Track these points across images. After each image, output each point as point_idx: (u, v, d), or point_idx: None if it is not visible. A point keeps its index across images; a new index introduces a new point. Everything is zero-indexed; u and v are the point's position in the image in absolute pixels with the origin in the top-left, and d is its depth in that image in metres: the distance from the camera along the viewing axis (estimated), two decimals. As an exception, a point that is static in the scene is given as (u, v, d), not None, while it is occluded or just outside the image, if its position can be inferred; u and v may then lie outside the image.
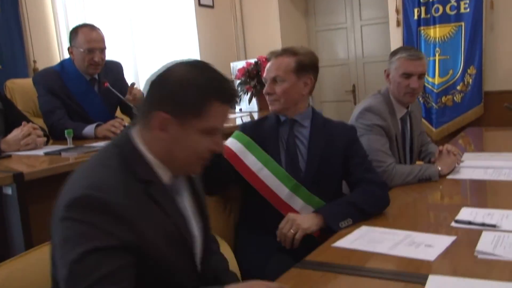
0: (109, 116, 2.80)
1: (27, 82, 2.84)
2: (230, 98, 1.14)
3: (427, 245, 1.38)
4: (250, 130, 1.90)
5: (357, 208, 1.66)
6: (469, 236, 1.43)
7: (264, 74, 1.89)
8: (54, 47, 3.43)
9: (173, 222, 1.12)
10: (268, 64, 1.89)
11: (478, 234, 1.42)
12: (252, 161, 1.80)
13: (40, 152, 2.16)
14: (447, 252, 1.34)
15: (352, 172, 1.83)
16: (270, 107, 1.89)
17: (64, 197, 1.03)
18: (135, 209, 1.04)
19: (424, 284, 1.13)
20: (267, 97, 1.88)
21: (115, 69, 2.95)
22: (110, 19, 3.78)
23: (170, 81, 1.10)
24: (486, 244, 1.35)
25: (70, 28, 2.84)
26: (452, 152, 2.25)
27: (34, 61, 3.27)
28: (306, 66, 1.84)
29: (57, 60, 3.33)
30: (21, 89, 2.87)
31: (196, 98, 1.09)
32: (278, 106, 1.85)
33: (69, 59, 2.78)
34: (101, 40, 2.72)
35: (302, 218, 1.63)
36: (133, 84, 2.77)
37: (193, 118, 1.10)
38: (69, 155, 2.03)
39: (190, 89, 1.09)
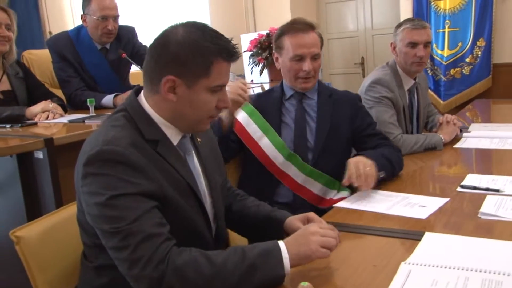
0: (121, 87, 2.81)
1: (44, 52, 2.89)
2: (232, 55, 1.17)
3: (421, 206, 1.49)
4: (254, 101, 1.93)
5: (391, 163, 1.75)
6: (474, 199, 1.51)
7: (298, 50, 1.83)
8: (69, 18, 3.49)
9: (184, 178, 1.17)
10: (301, 40, 1.83)
11: (482, 198, 1.51)
12: (253, 129, 1.87)
13: (64, 120, 2.26)
14: (453, 214, 1.43)
15: (367, 141, 1.90)
16: (303, 85, 1.87)
17: (82, 158, 1.09)
18: (148, 162, 1.09)
19: (420, 240, 1.22)
20: (303, 74, 1.84)
21: (126, 35, 2.90)
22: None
23: (173, 44, 1.12)
24: (489, 206, 1.43)
25: (83, -1, 2.84)
26: (452, 121, 2.35)
27: (50, 32, 3.32)
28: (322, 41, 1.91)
29: (71, 31, 3.38)
30: (38, 59, 2.93)
31: (201, 58, 1.11)
32: (311, 83, 1.88)
33: (84, 27, 2.76)
34: (115, 7, 2.71)
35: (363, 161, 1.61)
36: None
37: (200, 78, 1.13)
38: (92, 123, 2.12)
39: (194, 50, 1.11)
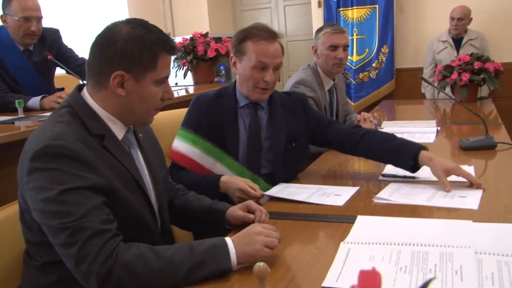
0: (46, 89, 2.72)
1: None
2: (174, 48, 1.23)
3: (336, 195, 1.61)
4: (206, 104, 1.81)
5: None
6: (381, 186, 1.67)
7: (262, 59, 1.72)
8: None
9: (129, 171, 1.19)
10: (265, 49, 1.72)
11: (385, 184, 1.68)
12: (204, 158, 1.74)
13: (-9, 121, 2.13)
14: (357, 199, 1.57)
15: (330, 132, 1.87)
16: (260, 96, 1.77)
17: (27, 154, 1.07)
18: (95, 156, 1.10)
19: (353, 223, 1.34)
20: (263, 84, 1.74)
21: (50, 36, 2.83)
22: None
23: (120, 40, 1.15)
24: (385, 192, 1.60)
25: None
26: (368, 118, 2.56)
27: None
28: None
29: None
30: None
31: (148, 53, 1.16)
32: (267, 94, 1.80)
33: (5, 27, 2.65)
34: (37, 8, 2.62)
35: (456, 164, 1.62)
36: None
37: (148, 72, 1.17)
38: (22, 124, 2.02)
39: (141, 45, 1.15)
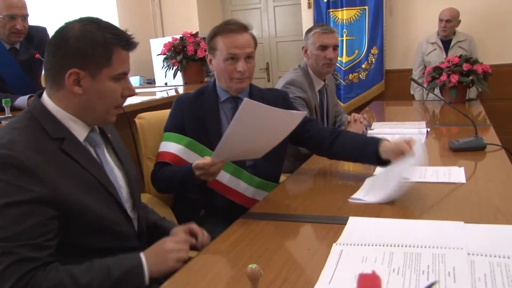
0: (33, 88, 2.69)
1: None
2: (129, 44, 1.22)
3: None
4: (188, 103, 1.85)
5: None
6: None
7: (232, 50, 1.76)
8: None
9: (91, 173, 1.18)
10: (234, 40, 1.76)
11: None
12: (187, 153, 1.77)
13: (-23, 120, 2.09)
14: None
15: (308, 129, 1.87)
16: (238, 85, 1.81)
17: None
18: (46, 163, 1.09)
19: (344, 224, 1.33)
20: (237, 75, 1.78)
21: (37, 34, 2.79)
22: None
23: (72, 38, 1.15)
24: (360, 192, 1.60)
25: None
26: (359, 119, 2.56)
27: None
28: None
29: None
30: None
31: (101, 48, 1.16)
32: (246, 83, 1.83)
33: None
34: (23, 6, 2.58)
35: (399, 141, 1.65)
36: None
37: (103, 68, 1.17)
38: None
39: (93, 41, 1.15)
